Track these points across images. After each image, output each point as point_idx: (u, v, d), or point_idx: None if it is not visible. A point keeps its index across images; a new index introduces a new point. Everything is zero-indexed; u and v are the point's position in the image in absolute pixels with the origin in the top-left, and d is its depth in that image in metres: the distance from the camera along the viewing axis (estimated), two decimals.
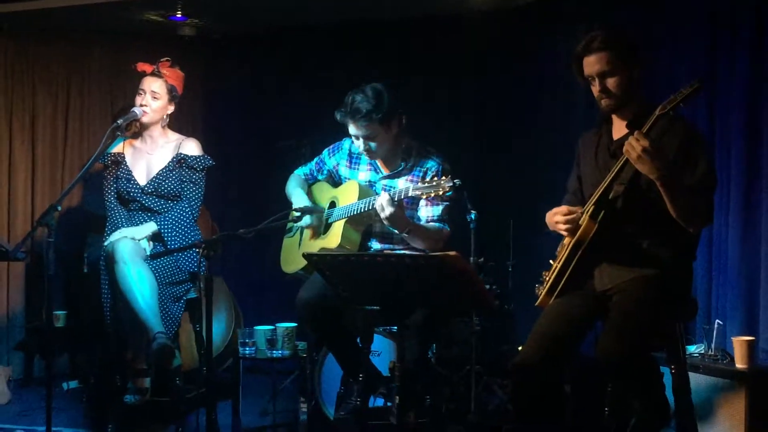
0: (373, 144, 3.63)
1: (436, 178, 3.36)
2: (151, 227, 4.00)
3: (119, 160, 4.16)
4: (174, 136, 4.23)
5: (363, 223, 3.68)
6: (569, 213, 2.97)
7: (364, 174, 3.79)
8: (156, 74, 4.13)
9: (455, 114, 5.12)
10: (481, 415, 4.02)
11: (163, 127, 4.20)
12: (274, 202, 4.07)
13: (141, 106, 4.09)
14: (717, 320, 3.84)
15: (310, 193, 3.95)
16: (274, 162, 4.72)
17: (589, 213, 2.92)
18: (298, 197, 3.87)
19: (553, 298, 3.05)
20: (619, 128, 3.05)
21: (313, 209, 3.81)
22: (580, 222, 2.94)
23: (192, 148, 4.17)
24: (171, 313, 3.90)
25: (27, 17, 4.89)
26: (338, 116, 3.61)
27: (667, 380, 2.94)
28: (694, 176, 2.85)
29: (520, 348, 3.06)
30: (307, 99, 5.23)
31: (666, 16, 4.33)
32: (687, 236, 2.95)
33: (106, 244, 3.95)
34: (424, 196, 3.31)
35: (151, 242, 4.00)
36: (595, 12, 4.55)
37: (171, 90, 4.15)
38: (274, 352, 4.03)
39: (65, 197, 3.66)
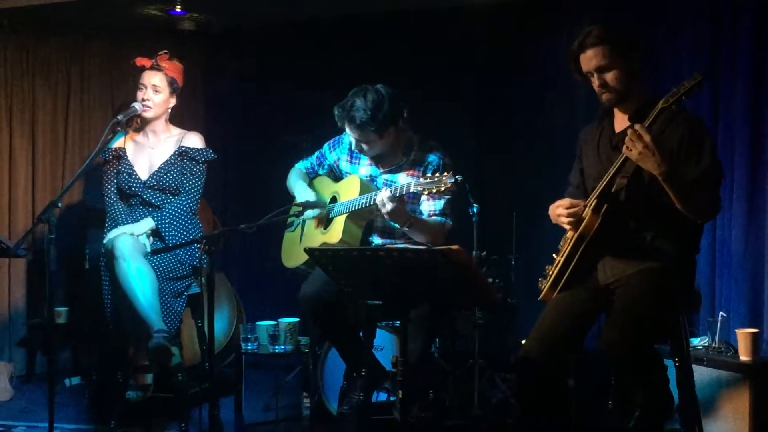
0: (366, 147, 3.63)
1: (437, 174, 3.34)
2: (148, 223, 3.98)
3: (121, 155, 4.15)
4: (176, 131, 4.22)
5: (364, 218, 3.67)
6: (571, 206, 2.96)
7: (365, 169, 3.77)
8: (155, 68, 4.12)
9: (457, 107, 5.10)
10: (485, 409, 4.02)
11: (165, 121, 4.19)
12: (275, 197, 4.06)
13: (143, 100, 4.07)
14: (721, 312, 3.84)
15: (311, 188, 3.94)
16: (275, 157, 4.71)
17: (592, 206, 2.91)
18: (300, 190, 3.86)
19: (556, 292, 3.04)
20: (621, 120, 3.03)
21: (315, 204, 3.80)
22: (583, 216, 2.93)
23: (194, 141, 4.16)
24: (173, 309, 3.89)
25: (27, 12, 4.88)
26: (336, 112, 3.60)
27: (671, 373, 2.93)
28: (699, 169, 2.84)
29: (523, 342, 3.06)
30: (307, 93, 5.22)
31: (668, 5, 4.31)
32: (690, 229, 2.94)
33: (105, 241, 3.94)
34: (426, 192, 3.30)
35: (150, 238, 3.98)
36: (596, 4, 4.53)
37: (172, 82, 4.13)
38: (277, 347, 4.03)
39: (66, 194, 3.65)
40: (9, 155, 5.17)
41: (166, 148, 4.15)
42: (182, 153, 4.11)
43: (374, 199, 3.47)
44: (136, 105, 4.06)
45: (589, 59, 2.94)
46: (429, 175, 3.38)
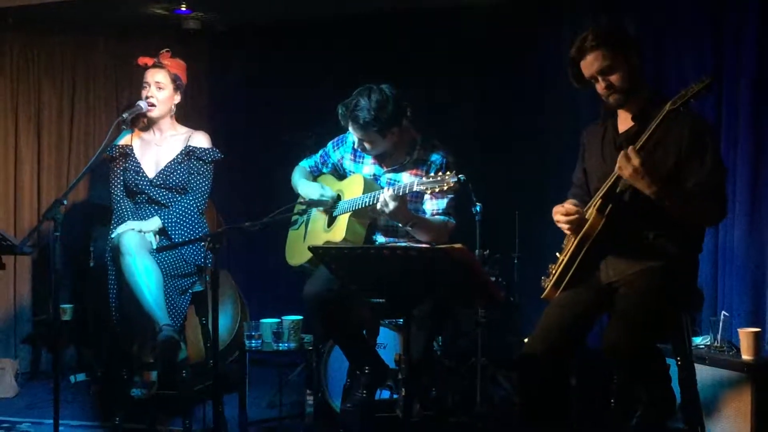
0: (369, 146, 3.64)
1: (440, 173, 3.35)
2: (156, 223, 3.99)
3: (128, 153, 4.16)
4: (183, 129, 4.23)
5: (368, 216, 3.68)
6: (568, 213, 2.96)
7: (368, 168, 3.78)
8: (158, 65, 4.13)
9: (458, 104, 5.11)
10: (487, 407, 4.02)
11: (171, 119, 4.21)
12: (279, 195, 4.08)
13: (147, 98, 4.09)
14: (723, 312, 3.84)
15: None
16: (279, 155, 4.72)
17: (596, 207, 2.91)
18: (306, 187, 3.87)
19: (559, 291, 3.05)
20: (624, 120, 3.04)
21: (319, 202, 3.81)
22: (587, 216, 2.93)
23: (201, 140, 4.18)
24: (177, 306, 3.90)
25: (32, 11, 4.89)
26: (340, 111, 3.60)
27: (673, 372, 2.94)
28: (702, 171, 2.84)
29: (525, 340, 3.07)
30: (311, 91, 5.23)
31: (669, 7, 4.32)
32: (693, 229, 2.94)
33: (112, 236, 3.95)
34: (429, 191, 3.31)
35: (157, 236, 4.00)
36: (596, 5, 4.53)
37: (175, 79, 4.15)
38: (281, 344, 4.04)
39: (71, 191, 3.67)
40: (15, 153, 5.18)
41: (173, 146, 4.17)
42: (189, 152, 4.13)
43: (377, 198, 3.48)
44: (141, 103, 4.08)
45: (590, 64, 2.94)
46: (432, 174, 3.39)
